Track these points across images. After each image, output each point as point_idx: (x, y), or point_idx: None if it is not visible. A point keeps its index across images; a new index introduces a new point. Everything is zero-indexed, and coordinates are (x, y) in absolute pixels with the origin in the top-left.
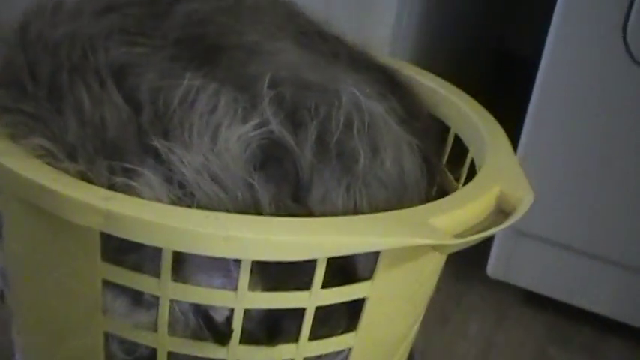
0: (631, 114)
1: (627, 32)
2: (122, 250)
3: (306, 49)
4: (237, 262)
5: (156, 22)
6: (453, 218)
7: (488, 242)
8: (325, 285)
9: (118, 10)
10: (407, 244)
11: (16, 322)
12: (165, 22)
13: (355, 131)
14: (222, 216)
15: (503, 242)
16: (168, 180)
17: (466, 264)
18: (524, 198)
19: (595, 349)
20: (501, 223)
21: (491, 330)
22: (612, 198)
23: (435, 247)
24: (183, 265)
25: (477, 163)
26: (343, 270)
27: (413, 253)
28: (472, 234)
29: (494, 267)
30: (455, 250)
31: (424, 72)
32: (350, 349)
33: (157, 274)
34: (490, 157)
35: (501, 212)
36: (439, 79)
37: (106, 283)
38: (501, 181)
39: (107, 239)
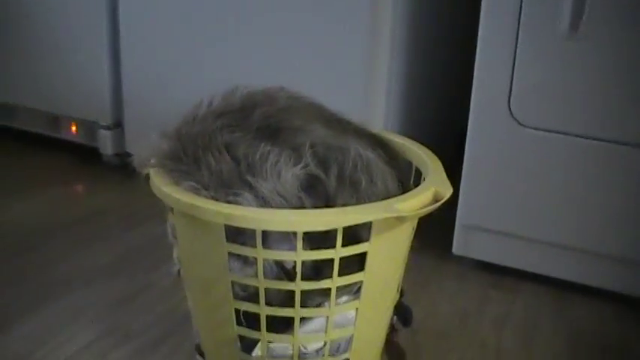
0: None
1: (511, 101)
2: (236, 235)
3: (329, 128)
4: (295, 234)
5: (245, 120)
6: (409, 203)
7: (451, 234)
8: (344, 247)
9: (224, 116)
10: (382, 217)
11: (185, 287)
12: (249, 119)
13: (359, 168)
14: (285, 210)
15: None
16: (257, 197)
17: (438, 248)
18: (446, 192)
19: (517, 289)
20: (433, 205)
21: (452, 284)
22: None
23: (398, 219)
24: (267, 239)
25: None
26: (354, 239)
27: (390, 224)
28: (418, 211)
29: (456, 248)
30: (410, 219)
31: (397, 135)
32: (361, 282)
33: (253, 246)
34: (430, 175)
35: (436, 201)
36: (407, 139)
37: (229, 254)
38: (435, 185)
39: (227, 231)
